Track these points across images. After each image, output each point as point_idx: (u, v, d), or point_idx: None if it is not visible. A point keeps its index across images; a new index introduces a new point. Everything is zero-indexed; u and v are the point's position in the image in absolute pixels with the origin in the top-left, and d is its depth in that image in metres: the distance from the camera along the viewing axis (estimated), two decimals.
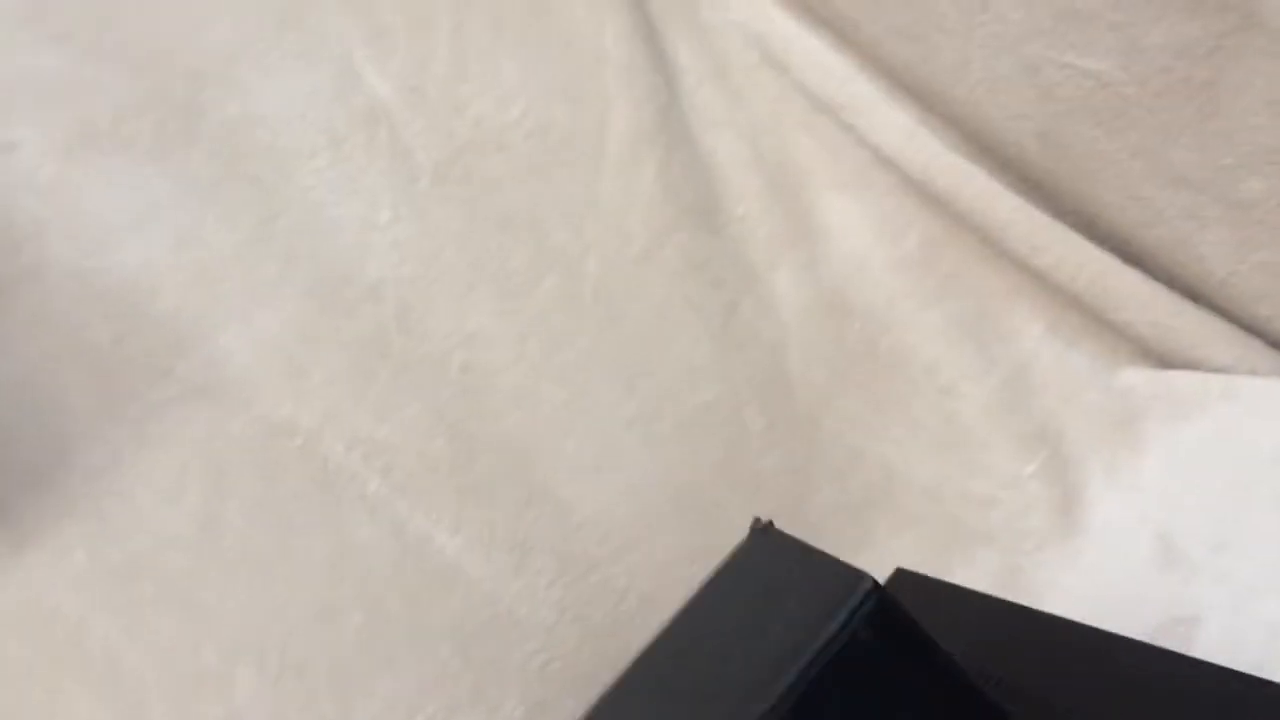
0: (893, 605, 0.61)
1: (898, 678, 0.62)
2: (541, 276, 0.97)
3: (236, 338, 0.92)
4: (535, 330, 0.97)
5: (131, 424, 0.89)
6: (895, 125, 0.95)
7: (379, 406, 0.94)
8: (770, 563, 0.72)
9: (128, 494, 0.88)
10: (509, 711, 0.95)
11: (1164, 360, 0.95)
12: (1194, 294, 0.90)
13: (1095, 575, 0.95)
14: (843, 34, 0.94)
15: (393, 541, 0.93)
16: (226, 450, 0.91)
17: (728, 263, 1.00)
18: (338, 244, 0.94)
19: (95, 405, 0.89)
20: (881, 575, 0.90)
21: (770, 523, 0.76)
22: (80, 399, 0.88)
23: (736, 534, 0.99)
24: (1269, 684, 0.60)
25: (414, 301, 0.95)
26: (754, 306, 1.00)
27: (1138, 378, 0.98)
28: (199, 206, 0.91)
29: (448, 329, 0.96)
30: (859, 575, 0.61)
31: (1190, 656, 0.65)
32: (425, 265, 0.95)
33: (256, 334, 0.92)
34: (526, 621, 0.96)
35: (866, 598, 0.61)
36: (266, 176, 0.92)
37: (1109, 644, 0.69)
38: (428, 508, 0.95)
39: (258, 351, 0.92)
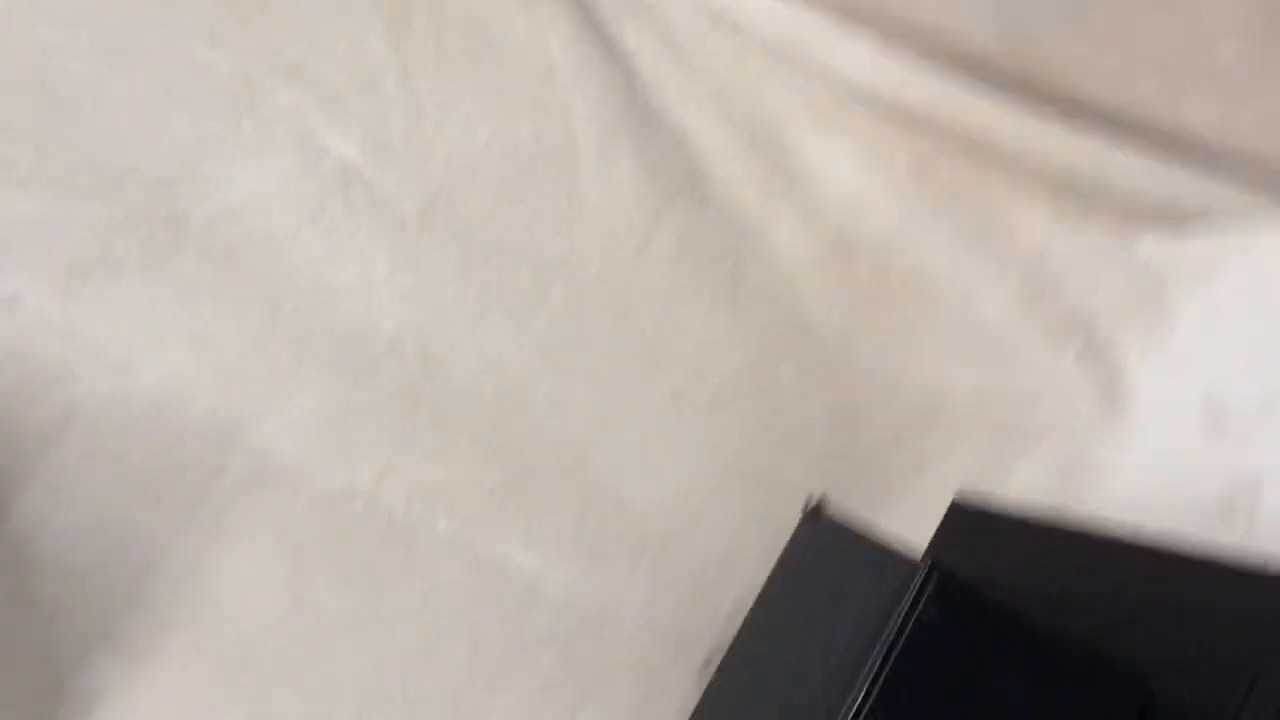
0: (950, 583, 0.63)
1: (967, 643, 0.64)
2: (546, 291, 0.98)
3: (276, 423, 0.94)
4: (553, 342, 0.98)
5: (202, 529, 0.93)
6: (860, 59, 0.93)
7: (427, 451, 0.97)
8: (826, 552, 0.74)
9: (216, 594, 0.92)
10: (621, 698, 0.99)
11: (1175, 228, 0.94)
12: (1189, 161, 0.89)
13: (1151, 452, 0.96)
14: None
15: (473, 572, 0.97)
16: (296, 529, 0.94)
17: (724, 231, 1.00)
18: (346, 310, 0.95)
19: (165, 520, 0.92)
20: (939, 498, 0.93)
21: (819, 504, 0.78)
22: (150, 519, 0.92)
23: (791, 488, 1.01)
24: None
25: (433, 344, 0.96)
26: (759, 267, 1.00)
27: (1154, 247, 0.97)
28: (205, 310, 0.93)
29: (471, 362, 0.97)
30: (913, 564, 0.63)
31: (1256, 569, 0.66)
32: (434, 308, 0.96)
33: (293, 415, 0.94)
34: (616, 613, 0.99)
35: (925, 584, 0.62)
36: (261, 264, 0.93)
37: (1167, 558, 0.70)
38: (497, 532, 0.98)
39: (299, 431, 0.94)
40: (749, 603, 0.87)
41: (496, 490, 0.98)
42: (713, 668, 0.97)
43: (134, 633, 0.91)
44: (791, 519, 0.87)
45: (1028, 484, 0.99)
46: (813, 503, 0.78)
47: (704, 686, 0.79)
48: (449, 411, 0.97)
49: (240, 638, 0.93)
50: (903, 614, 0.63)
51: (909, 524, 0.96)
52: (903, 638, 0.62)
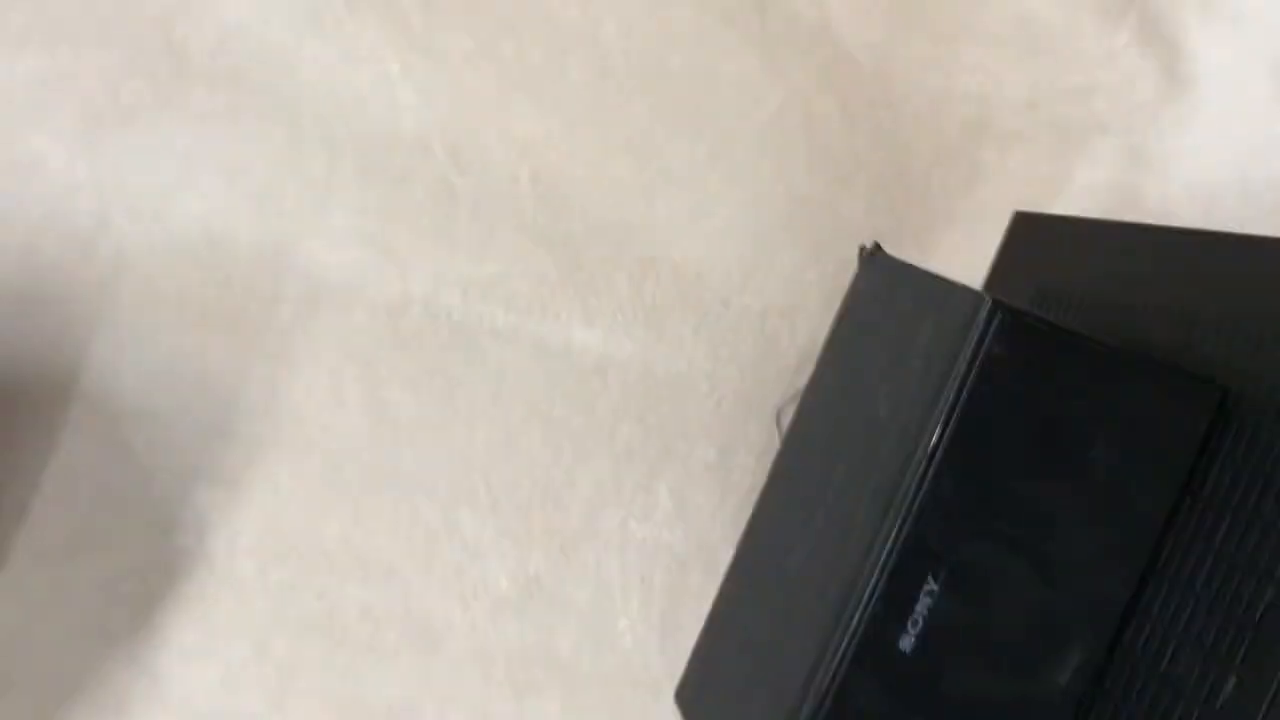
0: (1012, 317, 0.61)
1: (1036, 373, 0.63)
2: (566, 63, 0.93)
3: (321, 242, 0.94)
4: (582, 115, 0.95)
5: (271, 355, 0.94)
6: None
7: (474, 247, 0.96)
8: (888, 295, 0.73)
9: (299, 415, 0.95)
10: (702, 455, 1.01)
11: None
12: None
13: (1218, 131, 0.91)
14: None
15: (539, 359, 0.98)
16: (361, 342, 0.95)
17: None
18: (368, 115, 0.92)
19: (233, 353, 0.94)
20: (1001, 213, 0.91)
21: (876, 246, 0.77)
22: (218, 354, 0.93)
23: (847, 228, 0.99)
24: None
25: (460, 138, 0.94)
26: None
27: None
28: (227, 138, 0.91)
29: (501, 150, 0.95)
30: (976, 300, 0.62)
31: None
32: (454, 99, 0.93)
33: (335, 231, 0.94)
34: (686, 375, 1.00)
35: (990, 318, 0.61)
36: (273, 81, 0.90)
37: (1239, 246, 0.68)
38: (556, 317, 0.98)
39: (345, 246, 0.94)
40: (816, 351, 0.87)
41: (549, 276, 0.98)
42: (785, 419, 0.99)
43: (227, 463, 0.94)
44: (849, 259, 0.85)
45: (1090, 184, 0.96)
46: (869, 247, 0.76)
47: (780, 438, 0.80)
48: (487, 205, 0.96)
49: (327, 453, 0.96)
50: (969, 355, 0.62)
51: (972, 244, 0.94)
52: (970, 377, 0.62)
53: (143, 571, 0.92)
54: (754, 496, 0.86)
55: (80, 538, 0.91)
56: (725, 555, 0.87)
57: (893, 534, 0.62)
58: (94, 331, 0.92)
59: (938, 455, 0.62)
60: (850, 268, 0.83)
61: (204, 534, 0.94)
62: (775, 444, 0.98)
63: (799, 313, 1.01)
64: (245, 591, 0.93)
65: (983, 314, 0.61)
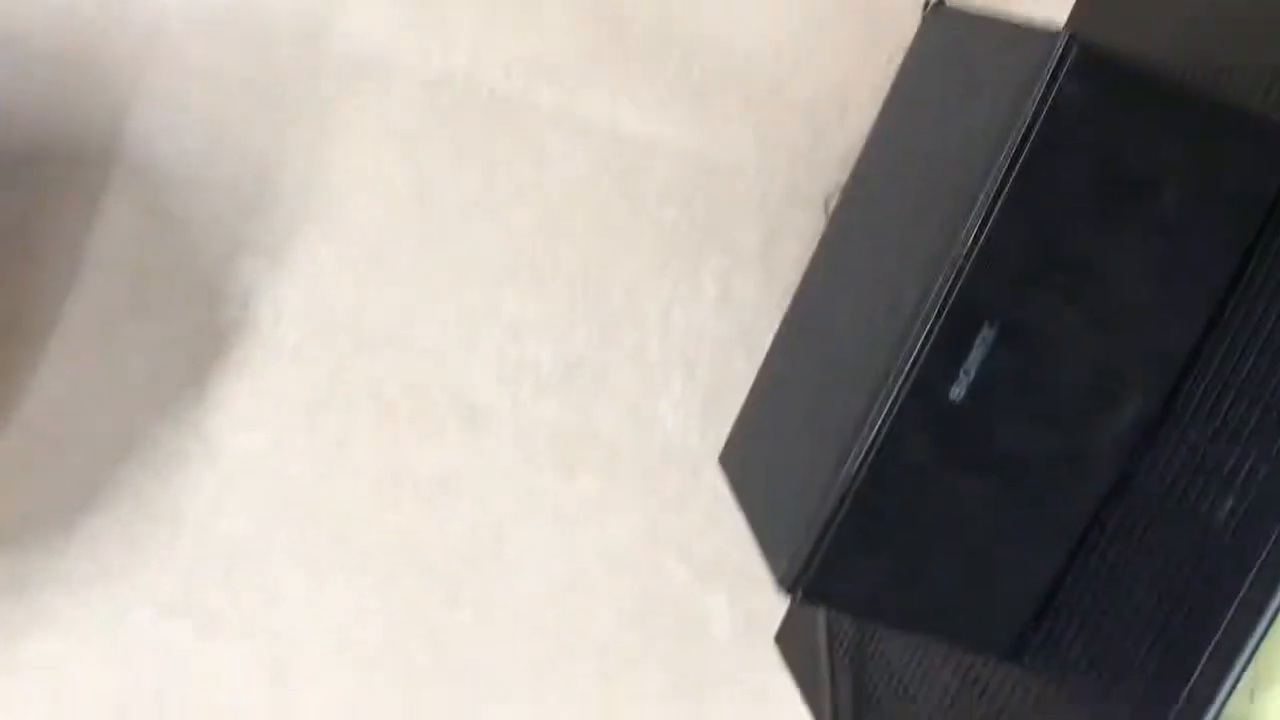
0: (1090, 52, 0.58)
1: (1111, 114, 0.60)
2: None
3: (359, 16, 0.91)
4: None
5: (312, 129, 0.93)
6: None
7: (518, 24, 0.93)
8: (954, 45, 0.70)
9: (339, 190, 0.94)
10: (748, 241, 1.00)
11: None
12: None
13: None
14: None
15: (583, 140, 0.96)
16: (401, 117, 0.94)
17: None
18: None
19: (274, 126, 0.92)
20: None
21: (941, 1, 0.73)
22: (259, 127, 0.92)
23: (902, 14, 0.95)
24: None
25: None
26: None
27: None
28: None
29: None
30: (1051, 37, 0.59)
31: None
32: None
33: (375, 3, 0.91)
34: (734, 161, 0.98)
35: (1064, 56, 0.58)
36: None
37: None
38: (602, 97, 0.96)
39: (384, 20, 0.92)
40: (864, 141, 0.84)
41: (595, 54, 0.95)
42: (834, 205, 0.96)
43: (270, 234, 0.94)
44: (905, 44, 0.82)
45: None
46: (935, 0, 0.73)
47: (828, 220, 0.78)
48: None
49: (367, 228, 0.95)
50: (1040, 93, 0.59)
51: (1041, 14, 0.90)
52: (1041, 117, 0.59)
53: (189, 340, 0.93)
54: None
55: (126, 305, 0.92)
56: (769, 342, 0.85)
57: (947, 281, 0.61)
58: (132, 102, 0.90)
59: (998, 200, 0.60)
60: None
61: (248, 304, 0.94)
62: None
63: (851, 100, 0.98)
64: (290, 362, 0.94)
65: (1058, 49, 0.58)
